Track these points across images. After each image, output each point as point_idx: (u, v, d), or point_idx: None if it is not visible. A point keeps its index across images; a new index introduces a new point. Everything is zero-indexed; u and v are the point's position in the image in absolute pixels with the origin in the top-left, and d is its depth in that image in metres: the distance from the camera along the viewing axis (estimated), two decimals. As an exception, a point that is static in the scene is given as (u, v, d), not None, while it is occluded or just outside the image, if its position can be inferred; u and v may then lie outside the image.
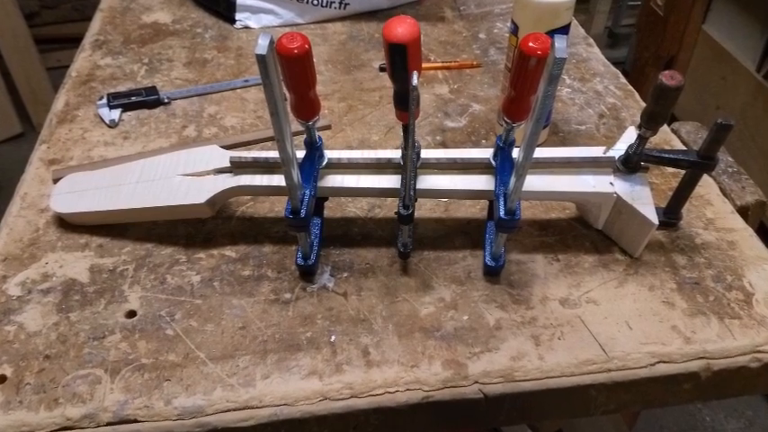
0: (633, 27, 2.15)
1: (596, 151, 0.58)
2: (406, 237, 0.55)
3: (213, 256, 0.59)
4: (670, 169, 0.67)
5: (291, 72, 0.47)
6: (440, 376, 0.49)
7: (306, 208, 0.52)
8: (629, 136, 0.58)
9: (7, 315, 0.54)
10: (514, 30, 0.64)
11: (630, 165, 0.56)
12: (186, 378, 0.49)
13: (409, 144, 0.50)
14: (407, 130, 0.50)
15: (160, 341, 0.52)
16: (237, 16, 0.94)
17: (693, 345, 0.51)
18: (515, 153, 0.56)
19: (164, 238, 0.60)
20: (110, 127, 0.75)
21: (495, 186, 0.54)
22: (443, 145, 0.72)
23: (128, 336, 0.52)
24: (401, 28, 0.44)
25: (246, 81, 0.82)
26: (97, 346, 0.51)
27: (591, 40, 0.92)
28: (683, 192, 0.58)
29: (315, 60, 0.48)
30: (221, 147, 0.61)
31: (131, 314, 0.54)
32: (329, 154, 0.57)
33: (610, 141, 0.71)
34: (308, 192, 0.53)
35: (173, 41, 0.91)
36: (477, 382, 0.49)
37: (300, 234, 0.53)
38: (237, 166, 0.58)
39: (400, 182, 0.55)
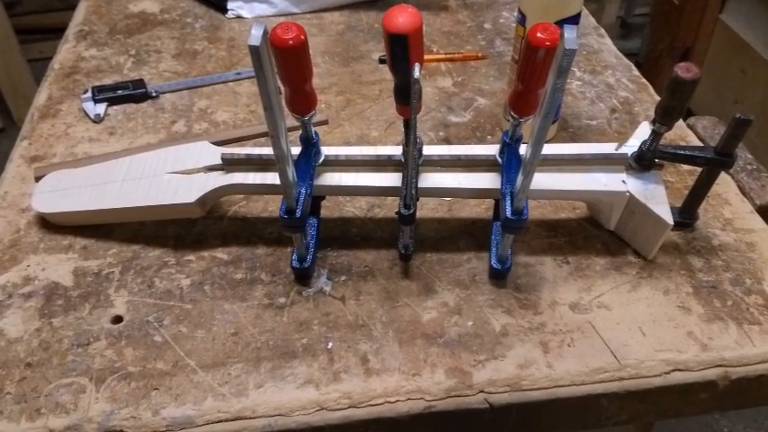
0: (647, 17, 2.16)
1: (608, 148, 0.58)
2: (408, 238, 0.55)
3: (204, 259, 0.59)
4: (686, 167, 0.67)
5: (286, 64, 0.47)
6: (443, 385, 0.49)
7: (301, 207, 0.52)
8: (643, 131, 0.58)
9: (-14, 320, 0.54)
10: (522, 19, 0.64)
11: (644, 162, 0.57)
12: (175, 387, 0.49)
13: (410, 140, 0.50)
14: (409, 126, 0.50)
15: (148, 348, 0.52)
16: (229, 5, 0.94)
17: (710, 352, 0.51)
18: (522, 150, 0.56)
19: (151, 239, 0.61)
20: (95, 122, 0.75)
21: (502, 185, 0.54)
22: (447, 141, 0.72)
23: (114, 342, 0.52)
24: (402, 17, 0.44)
25: (239, 74, 0.82)
26: (81, 354, 0.51)
27: (602, 31, 0.92)
28: (700, 190, 0.58)
29: (311, 52, 0.48)
30: (212, 143, 0.61)
31: (117, 320, 0.54)
32: (326, 150, 0.57)
33: (622, 137, 0.71)
34: (303, 190, 0.53)
35: (161, 32, 0.91)
36: (482, 392, 0.49)
37: (296, 235, 0.53)
38: (229, 164, 0.58)
39: (401, 180, 0.55)
